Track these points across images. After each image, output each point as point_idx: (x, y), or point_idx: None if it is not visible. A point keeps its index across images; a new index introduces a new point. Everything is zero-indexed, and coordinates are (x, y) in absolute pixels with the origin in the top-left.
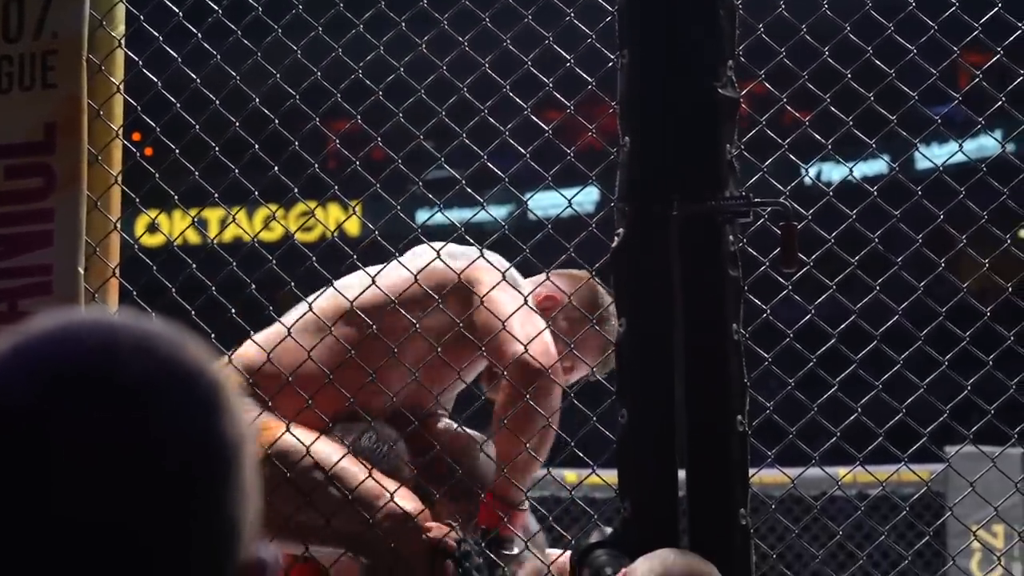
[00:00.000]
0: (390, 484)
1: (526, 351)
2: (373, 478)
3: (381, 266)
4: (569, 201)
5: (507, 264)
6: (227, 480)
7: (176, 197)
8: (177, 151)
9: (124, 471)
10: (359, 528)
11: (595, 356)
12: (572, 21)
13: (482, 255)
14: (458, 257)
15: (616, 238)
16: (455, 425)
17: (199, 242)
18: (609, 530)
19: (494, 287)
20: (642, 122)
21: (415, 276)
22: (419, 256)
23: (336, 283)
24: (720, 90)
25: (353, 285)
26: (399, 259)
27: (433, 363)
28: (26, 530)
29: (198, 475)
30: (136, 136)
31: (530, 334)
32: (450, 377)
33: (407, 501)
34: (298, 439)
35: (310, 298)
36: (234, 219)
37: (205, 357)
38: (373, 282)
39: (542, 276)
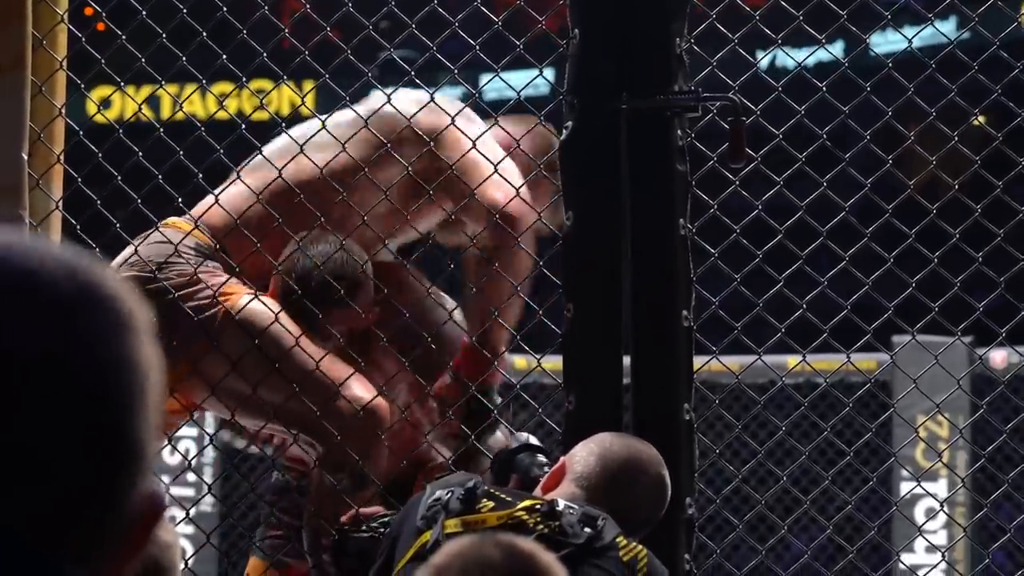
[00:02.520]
0: (347, 369)
1: (517, 192)
2: (331, 363)
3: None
4: (518, 94)
5: (460, 105)
6: (136, 404)
7: (122, 83)
8: (124, 38)
9: (40, 385)
10: (313, 413)
11: (545, 203)
12: None
13: (432, 99)
14: (411, 102)
15: (565, 131)
16: (425, 288)
17: (155, 118)
18: (524, 435)
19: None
20: (592, 15)
21: (366, 121)
22: (371, 101)
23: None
24: None
25: (304, 134)
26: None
27: (385, 212)
28: None
29: (111, 396)
30: (88, 12)
31: (506, 181)
32: (401, 226)
33: (365, 391)
34: (266, 305)
35: (265, 149)
36: (179, 105)
37: (120, 282)
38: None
39: (491, 122)
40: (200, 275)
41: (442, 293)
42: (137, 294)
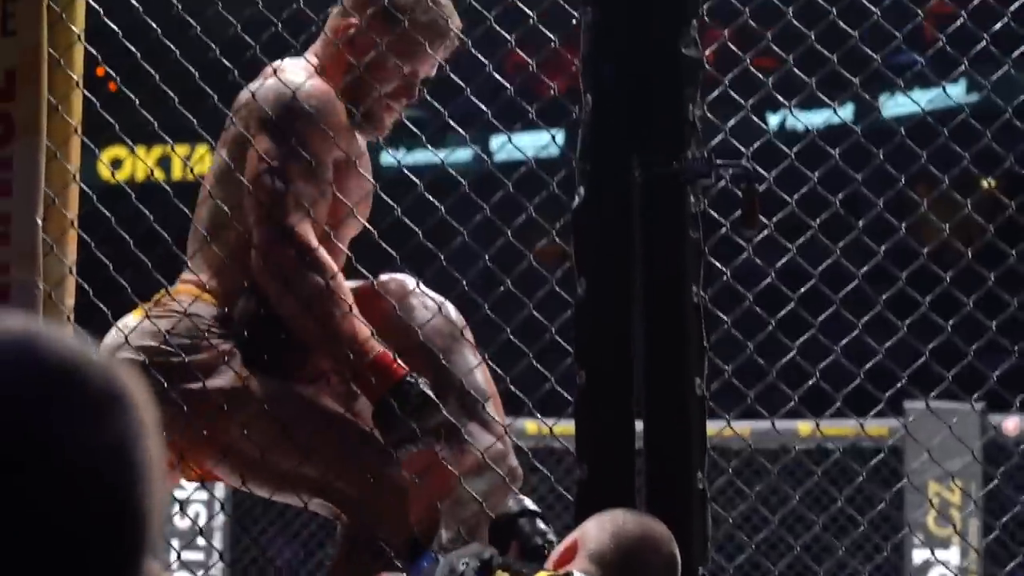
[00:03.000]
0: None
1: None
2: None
3: None
4: (530, 160)
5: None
6: (149, 495)
7: (133, 147)
8: (138, 102)
9: (75, 478)
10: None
11: (427, 49)
12: None
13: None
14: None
15: (577, 198)
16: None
17: (165, 178)
18: (524, 499)
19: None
20: (604, 81)
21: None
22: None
23: None
24: (684, 50)
25: None
26: None
27: None
28: None
29: (132, 489)
30: (100, 72)
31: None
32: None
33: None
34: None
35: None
36: (188, 165)
37: (135, 380)
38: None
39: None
40: (212, 345)
41: (425, 296)
42: (146, 381)
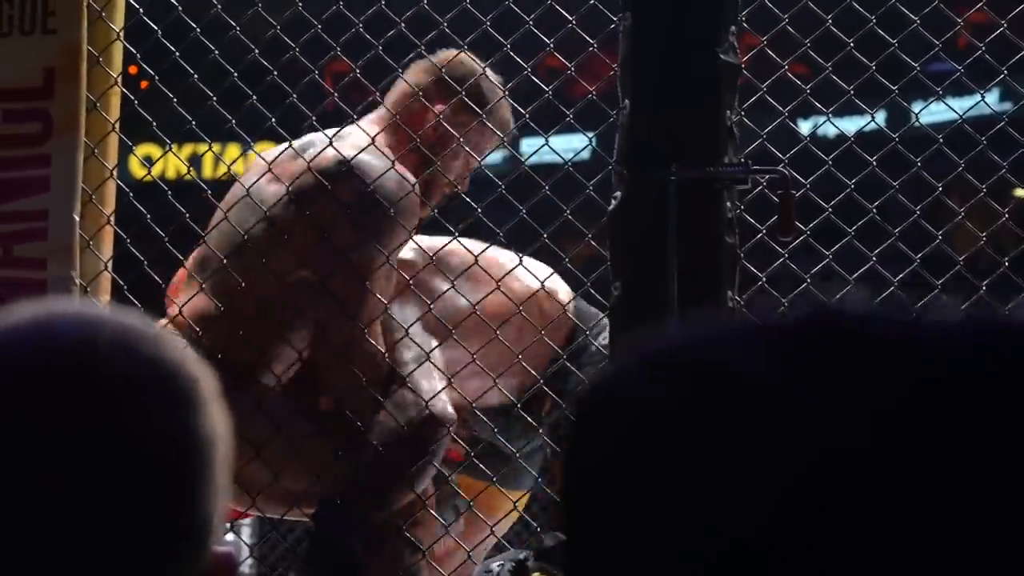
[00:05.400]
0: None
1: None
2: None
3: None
4: (567, 163)
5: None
6: (202, 476)
7: (169, 145)
8: (175, 100)
9: (105, 465)
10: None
11: (492, 143)
12: None
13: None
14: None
15: (613, 201)
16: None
17: (197, 176)
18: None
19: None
20: (642, 86)
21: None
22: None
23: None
24: (721, 56)
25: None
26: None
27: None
28: (13, 522)
29: (175, 471)
30: (133, 70)
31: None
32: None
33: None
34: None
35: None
36: (228, 166)
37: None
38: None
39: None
40: None
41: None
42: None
